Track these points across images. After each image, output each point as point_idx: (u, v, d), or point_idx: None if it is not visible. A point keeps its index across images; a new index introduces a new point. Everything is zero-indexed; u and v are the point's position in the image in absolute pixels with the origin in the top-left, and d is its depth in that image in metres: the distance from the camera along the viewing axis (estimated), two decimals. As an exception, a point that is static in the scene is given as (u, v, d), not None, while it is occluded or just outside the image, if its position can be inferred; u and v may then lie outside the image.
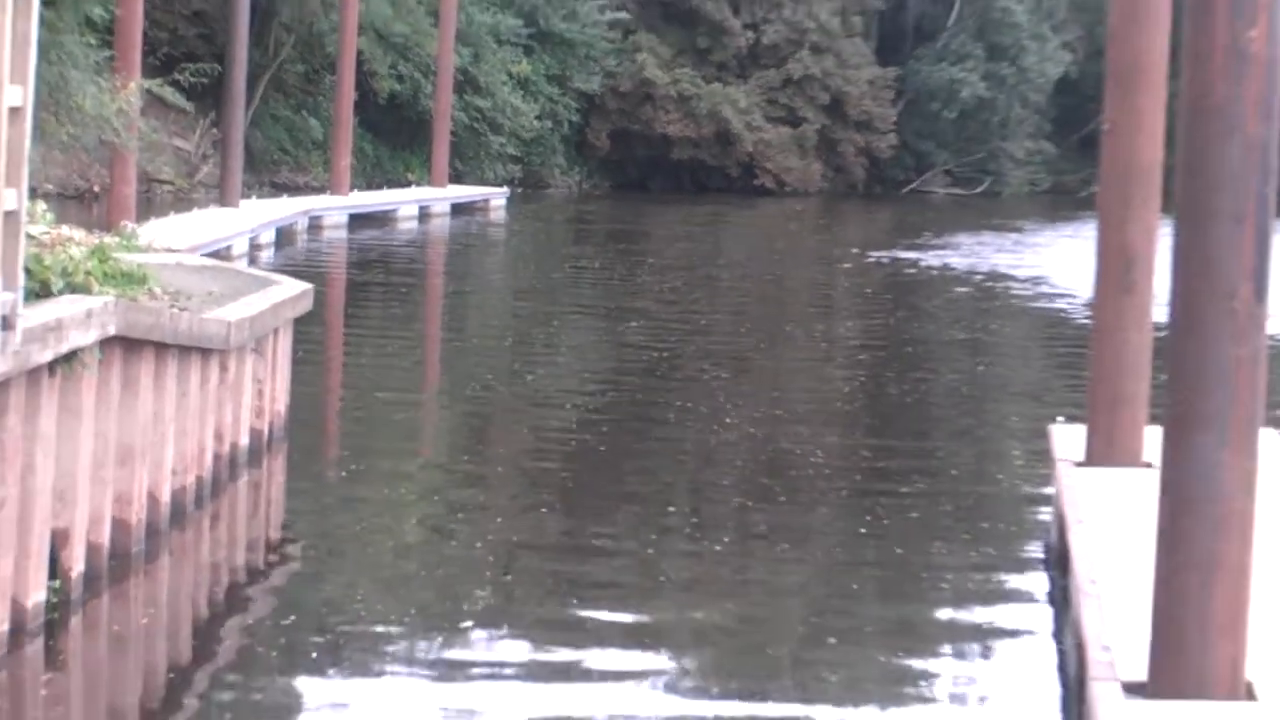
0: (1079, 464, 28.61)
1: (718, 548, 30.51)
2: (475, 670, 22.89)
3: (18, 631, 21.88)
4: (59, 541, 23.71)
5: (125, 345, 25.64)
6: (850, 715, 22.21)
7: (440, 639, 24.28)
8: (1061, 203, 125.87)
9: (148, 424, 26.87)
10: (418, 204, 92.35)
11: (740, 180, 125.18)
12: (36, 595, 22.65)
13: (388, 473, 36.26)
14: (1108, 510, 24.77)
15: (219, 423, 30.61)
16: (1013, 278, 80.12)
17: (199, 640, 24.52)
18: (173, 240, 50.06)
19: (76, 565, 24.09)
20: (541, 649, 23.89)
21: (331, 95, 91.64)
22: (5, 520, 21.47)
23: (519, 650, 23.80)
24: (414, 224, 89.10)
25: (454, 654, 23.56)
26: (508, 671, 22.88)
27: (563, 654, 23.82)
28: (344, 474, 35.78)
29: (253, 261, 56.80)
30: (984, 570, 29.82)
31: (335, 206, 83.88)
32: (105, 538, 25.42)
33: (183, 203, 71.88)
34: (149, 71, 67.69)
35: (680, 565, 29.27)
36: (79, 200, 50.65)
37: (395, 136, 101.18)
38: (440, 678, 22.57)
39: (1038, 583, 27.59)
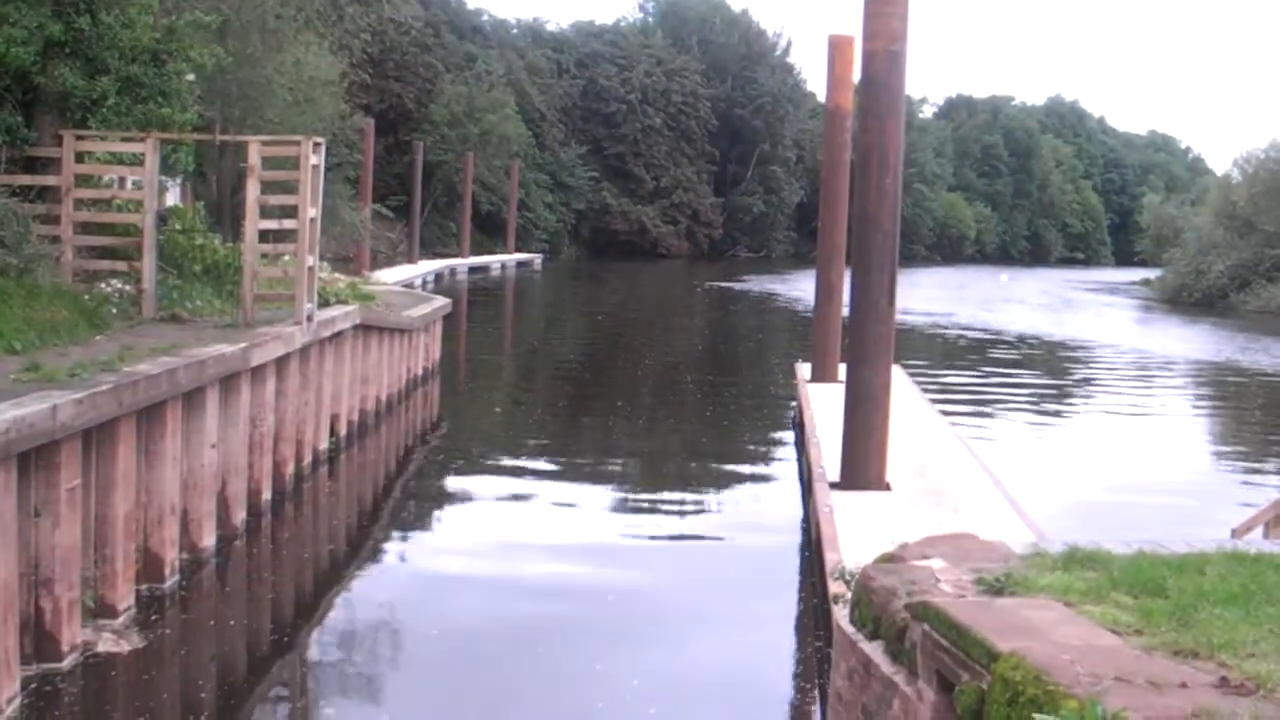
0: (808, 381, 28.62)
1: (640, 420, 30.59)
2: (526, 471, 23.09)
3: (316, 463, 21.93)
4: (334, 420, 23.72)
5: (364, 329, 25.64)
6: (701, 493, 22.45)
7: (512, 459, 24.48)
8: (800, 261, 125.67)
9: (375, 365, 26.87)
10: (500, 262, 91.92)
11: (650, 251, 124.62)
12: (323, 444, 22.68)
13: (485, 386, 36.30)
14: (821, 402, 24.78)
15: (407, 365, 30.59)
16: (777, 295, 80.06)
17: (400, 463, 24.66)
18: (386, 279, 50.00)
19: (342, 430, 24.10)
20: (559, 462, 24.18)
21: (460, 212, 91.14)
22: (309, 410, 21.50)
23: (549, 462, 24.02)
24: (499, 272, 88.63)
25: (518, 464, 23.78)
26: (544, 472, 23.11)
27: (570, 463, 24.08)
28: (465, 388, 35.77)
29: (424, 289, 56.64)
30: (765, 429, 29.99)
31: (462, 264, 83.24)
32: (356, 417, 25.44)
33: (390, 262, 71.40)
34: (374, 200, 67.37)
35: (623, 425, 29.41)
36: (343, 261, 50.52)
37: (490, 231, 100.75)
38: (510, 475, 22.82)
39: (789, 435, 27.67)
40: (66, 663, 12.37)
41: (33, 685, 11.93)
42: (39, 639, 12.25)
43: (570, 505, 21.22)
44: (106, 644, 13.03)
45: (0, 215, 19.01)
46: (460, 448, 26.84)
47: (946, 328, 60.06)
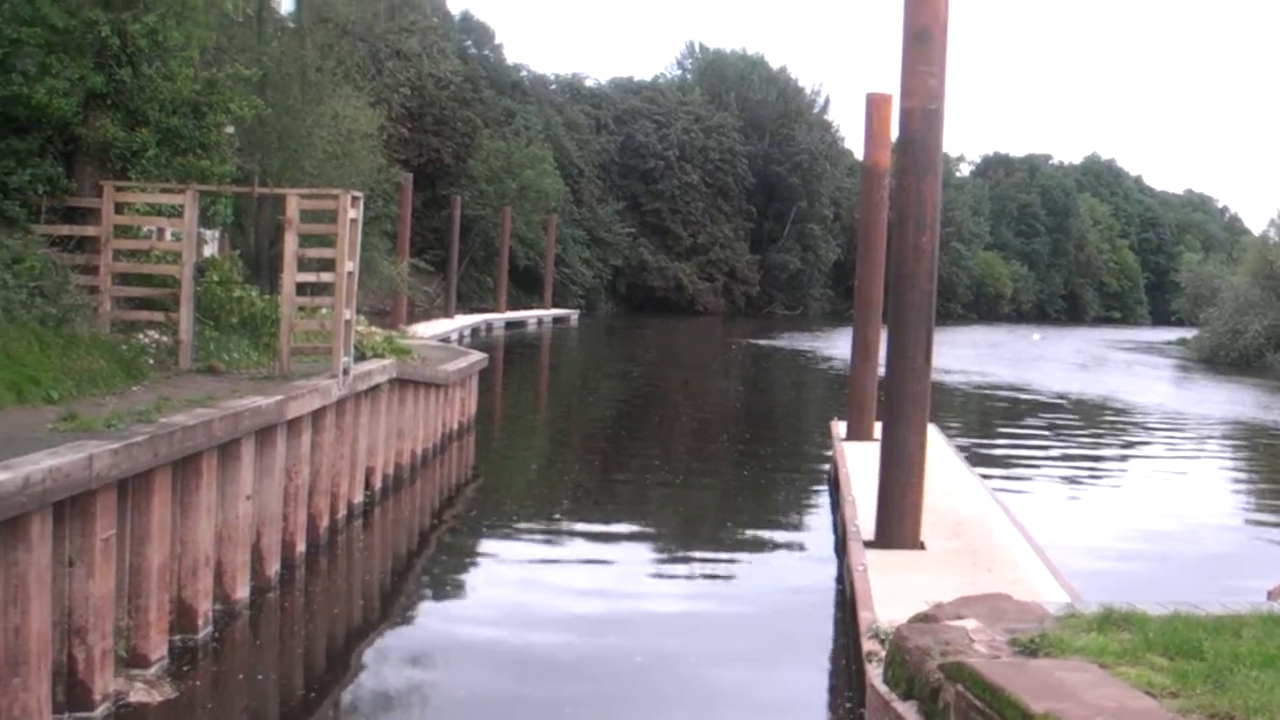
0: (844, 439, 28.60)
1: (677, 478, 30.52)
2: (561, 528, 23.10)
3: (350, 516, 21.96)
4: (370, 473, 23.73)
5: (400, 383, 25.69)
6: (737, 547, 22.38)
7: (546, 516, 24.47)
8: (836, 319, 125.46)
9: (410, 419, 26.89)
10: (537, 317, 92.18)
11: (686, 307, 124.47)
12: (358, 497, 22.70)
13: (521, 442, 36.29)
14: (857, 460, 24.74)
15: (443, 419, 30.61)
16: (813, 353, 79.93)
17: (434, 518, 24.64)
18: (423, 333, 50.05)
19: (377, 484, 24.11)
20: (594, 519, 24.12)
21: (497, 266, 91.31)
22: (344, 464, 21.53)
23: (583, 519, 24.02)
24: (535, 327, 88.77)
25: (552, 521, 23.78)
26: (578, 529, 23.10)
27: (604, 520, 24.04)
28: (501, 442, 35.78)
29: (460, 343, 56.69)
30: (800, 487, 29.88)
31: (499, 319, 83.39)
32: (391, 471, 25.46)
33: (427, 316, 71.52)
34: (411, 254, 67.74)
35: (659, 483, 29.34)
36: (380, 315, 50.70)
37: (527, 286, 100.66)
38: (545, 532, 22.77)
39: (824, 492, 27.61)
40: (98, 712, 12.38)
41: (64, 735, 11.95)
42: (71, 688, 12.27)
43: (604, 562, 21.24)
44: (138, 694, 13.04)
45: (40, 265, 19.14)
46: (495, 503, 26.83)
47: (980, 386, 59.91)
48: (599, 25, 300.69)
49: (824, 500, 27.07)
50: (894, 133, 20.42)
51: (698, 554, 22.41)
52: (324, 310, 22.50)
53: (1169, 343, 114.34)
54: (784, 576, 20.96)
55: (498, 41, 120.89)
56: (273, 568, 18.01)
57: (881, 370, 19.97)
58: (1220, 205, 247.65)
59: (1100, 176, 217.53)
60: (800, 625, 17.82)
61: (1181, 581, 20.43)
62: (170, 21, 21.97)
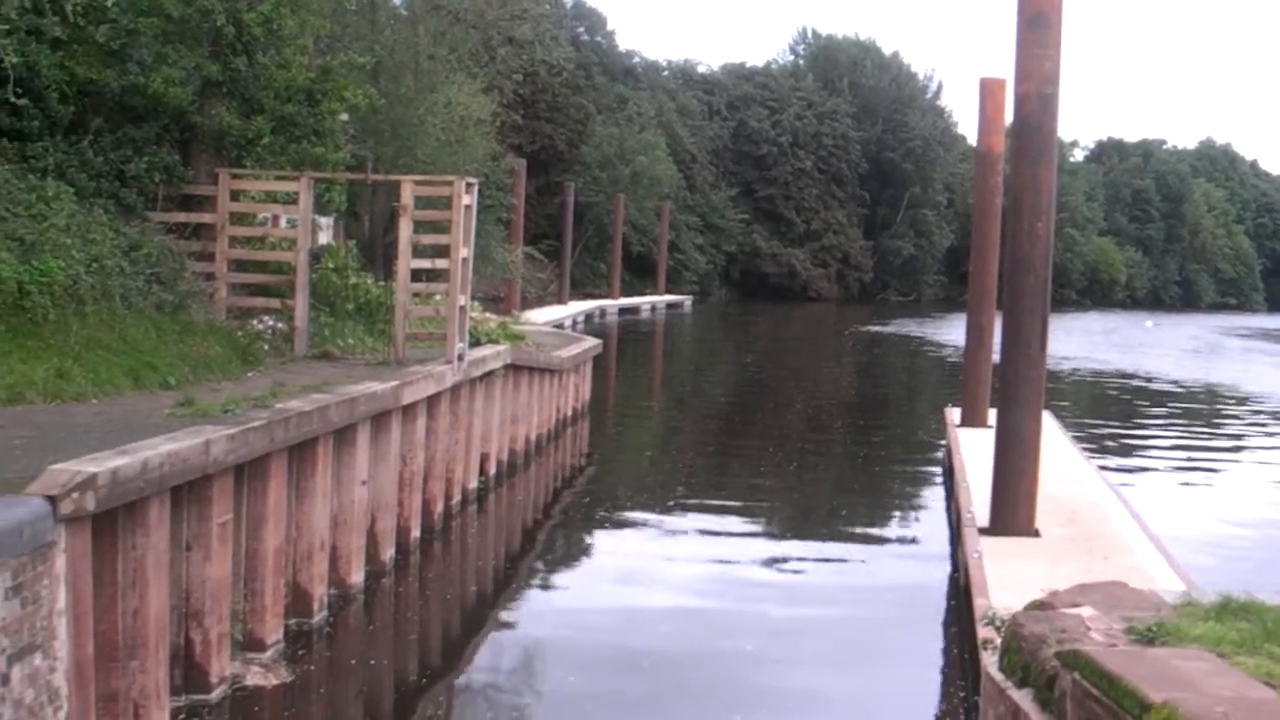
0: (958, 425, 28.40)
1: (790, 465, 30.45)
2: (674, 515, 23.05)
3: (465, 501, 22.08)
4: (484, 459, 23.80)
5: (514, 369, 25.74)
6: (851, 534, 22.37)
7: (660, 503, 24.46)
8: (950, 305, 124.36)
9: (524, 404, 26.95)
10: (650, 303, 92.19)
11: (800, 293, 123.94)
12: (472, 483, 22.78)
13: (635, 427, 36.37)
14: (971, 447, 24.56)
15: (557, 405, 30.66)
16: (926, 339, 79.48)
17: (548, 504, 24.65)
18: (536, 319, 50.19)
19: (492, 469, 24.19)
20: (708, 506, 24.08)
21: (610, 252, 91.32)
22: (459, 448, 21.60)
23: (697, 506, 23.97)
24: (649, 313, 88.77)
25: (666, 508, 23.75)
26: (690, 516, 23.02)
27: (718, 507, 23.98)
28: (615, 428, 35.85)
29: (574, 329, 56.75)
30: (914, 474, 29.75)
31: (612, 305, 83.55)
32: (505, 457, 25.52)
33: (540, 302, 71.63)
34: (526, 242, 68.08)
35: (772, 469, 29.29)
36: (494, 301, 50.80)
37: (640, 272, 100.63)
38: (658, 519, 22.72)
39: (938, 479, 27.45)
40: (215, 695, 12.50)
41: (181, 716, 12.06)
42: (189, 670, 12.40)
43: (717, 549, 21.13)
44: (254, 677, 13.14)
45: (156, 252, 19.36)
46: (609, 489, 26.83)
47: (1095, 373, 59.34)
48: (711, 11, 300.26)
49: (938, 487, 26.90)
50: (1008, 117, 20.24)
51: (811, 541, 22.31)
52: (439, 296, 22.62)
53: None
54: (898, 563, 20.87)
55: (610, 28, 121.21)
56: (387, 553, 18.10)
57: (996, 357, 19.81)
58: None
59: (1215, 161, 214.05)
60: (914, 612, 17.71)
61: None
62: (285, 10, 22.13)
